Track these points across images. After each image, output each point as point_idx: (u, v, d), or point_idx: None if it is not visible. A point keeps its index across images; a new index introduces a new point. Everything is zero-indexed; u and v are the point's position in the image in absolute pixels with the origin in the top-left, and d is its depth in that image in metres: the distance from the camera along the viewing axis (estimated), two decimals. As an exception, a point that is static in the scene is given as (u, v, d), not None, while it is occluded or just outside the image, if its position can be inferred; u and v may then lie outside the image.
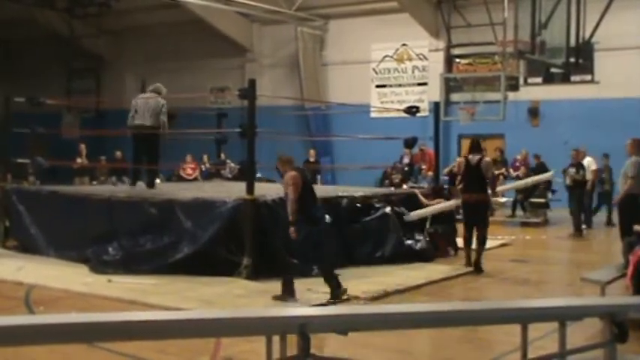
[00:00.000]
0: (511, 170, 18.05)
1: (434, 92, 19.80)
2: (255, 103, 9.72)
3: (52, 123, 19.06)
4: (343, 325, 4.28)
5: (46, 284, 8.89)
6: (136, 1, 23.81)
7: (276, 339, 4.04)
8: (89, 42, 26.85)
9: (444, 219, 11.85)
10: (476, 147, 10.68)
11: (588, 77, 19.57)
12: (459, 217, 11.79)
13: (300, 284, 8.11)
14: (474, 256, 10.35)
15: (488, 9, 18.47)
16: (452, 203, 11.79)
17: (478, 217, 10.49)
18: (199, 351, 6.01)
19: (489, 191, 10.77)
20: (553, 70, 17.48)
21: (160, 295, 8.26)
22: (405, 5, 21.00)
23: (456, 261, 11.04)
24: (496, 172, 13.61)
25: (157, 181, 12.79)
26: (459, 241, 11.48)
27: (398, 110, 15.97)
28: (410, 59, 22.35)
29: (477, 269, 10.24)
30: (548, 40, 12.14)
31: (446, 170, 15.03)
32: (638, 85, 18.56)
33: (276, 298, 7.96)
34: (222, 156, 18.95)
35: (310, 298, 8.00)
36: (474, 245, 10.46)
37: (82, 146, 19.51)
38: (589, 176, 15.42)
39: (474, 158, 10.49)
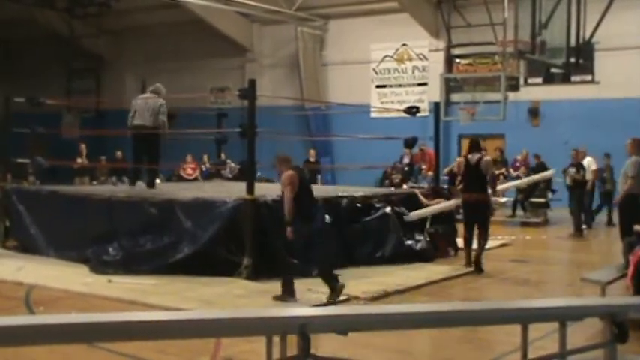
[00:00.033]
0: (511, 170, 18.05)
1: (434, 92, 19.80)
2: (255, 103, 9.72)
3: (52, 123, 19.06)
4: (343, 325, 4.28)
5: (46, 284, 8.89)
6: (136, 1, 23.81)
7: (276, 339, 4.04)
8: (89, 42, 26.86)
9: (444, 219, 11.85)
10: (475, 147, 10.68)
11: (588, 77, 19.57)
12: (459, 217, 11.80)
13: (300, 284, 8.10)
14: (474, 255, 10.35)
15: (488, 9, 18.47)
16: (452, 203, 11.79)
17: (479, 216, 10.50)
18: (199, 351, 6.01)
19: (490, 191, 10.77)
20: (553, 70, 17.47)
21: (159, 295, 8.26)
22: (405, 5, 21.01)
23: (456, 261, 11.04)
24: (496, 172, 13.60)
25: (157, 181, 12.79)
26: (459, 242, 11.49)
27: (398, 110, 15.97)
28: (410, 59, 22.36)
29: (477, 268, 10.24)
30: (549, 40, 12.12)
31: (446, 170, 15.03)
32: (638, 85, 18.57)
33: (276, 298, 7.96)
34: (223, 156, 18.96)
35: (310, 298, 8.00)
36: (474, 245, 10.46)
37: (83, 146, 19.51)
38: (589, 176, 15.43)
39: (474, 158, 10.49)
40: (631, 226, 8.76)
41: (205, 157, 19.85)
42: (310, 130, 22.19)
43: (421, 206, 11.67)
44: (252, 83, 9.86)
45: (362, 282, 9.01)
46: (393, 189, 15.22)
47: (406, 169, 17.91)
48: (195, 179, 19.02)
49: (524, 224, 17.08)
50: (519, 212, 17.68)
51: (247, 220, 9.22)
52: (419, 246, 11.02)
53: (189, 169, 19.44)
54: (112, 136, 19.76)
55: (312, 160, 20.04)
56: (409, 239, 11.02)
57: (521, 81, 19.93)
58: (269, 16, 22.66)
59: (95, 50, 27.25)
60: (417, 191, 12.57)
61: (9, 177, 13.54)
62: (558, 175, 15.68)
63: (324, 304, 7.58)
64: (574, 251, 13.74)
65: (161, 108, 11.14)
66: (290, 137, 18.82)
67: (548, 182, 16.84)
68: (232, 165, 17.91)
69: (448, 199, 12.15)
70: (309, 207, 8.11)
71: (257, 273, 9.02)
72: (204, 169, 19.67)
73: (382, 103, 22.16)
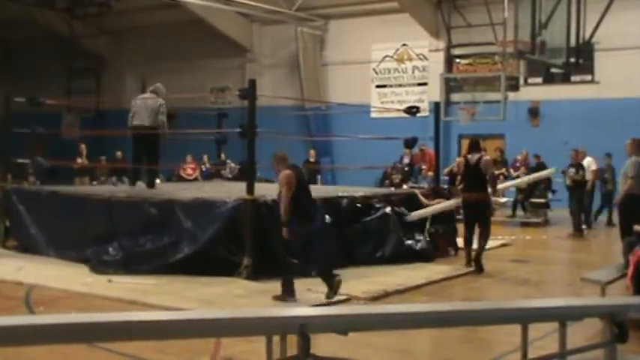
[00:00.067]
0: (511, 170, 18.06)
1: (434, 92, 19.80)
2: (255, 103, 9.71)
3: (52, 123, 19.07)
4: (343, 325, 4.28)
5: (46, 284, 8.89)
6: (136, 1, 23.82)
7: (276, 339, 4.04)
8: (89, 42, 26.87)
9: (444, 219, 11.84)
10: (475, 146, 10.69)
11: (588, 77, 19.58)
12: (459, 217, 11.80)
13: (300, 284, 8.10)
14: (474, 254, 10.35)
15: (488, 9, 18.47)
16: (452, 203, 11.78)
17: (479, 215, 10.50)
18: (199, 351, 6.01)
19: (490, 190, 10.77)
20: (553, 70, 17.47)
21: (159, 295, 8.25)
22: (405, 5, 21.01)
23: (456, 261, 11.03)
24: (496, 172, 13.61)
25: (157, 181, 12.79)
26: (459, 241, 11.49)
27: (398, 110, 15.97)
28: (410, 59, 22.36)
29: (478, 267, 10.24)
30: (549, 40, 12.12)
31: (446, 170, 15.03)
32: (638, 85, 18.57)
33: (276, 298, 7.95)
34: (223, 156, 18.97)
35: (310, 298, 7.99)
36: (474, 245, 10.46)
37: (83, 146, 19.51)
38: (589, 176, 15.43)
39: (473, 157, 10.50)
40: (631, 226, 8.75)
41: (205, 157, 19.85)
42: (310, 130, 22.20)
43: (421, 206, 11.67)
44: (253, 83, 9.86)
45: (362, 282, 9.01)
46: (393, 189, 15.22)
47: (406, 169, 17.92)
48: (195, 179, 19.02)
49: (525, 224, 17.09)
50: (519, 212, 17.68)
51: (247, 220, 9.22)
52: (419, 246, 11.02)
53: (189, 169, 19.45)
54: (112, 136, 19.76)
55: (312, 160, 20.05)
56: (409, 239, 11.02)
57: (521, 81, 19.94)
58: (269, 16, 22.67)
59: (95, 50, 27.25)
60: (417, 191, 12.56)
61: (9, 177, 13.54)
62: (558, 175, 15.66)
63: (325, 304, 7.58)
64: (574, 251, 13.74)
65: (160, 108, 11.15)
66: (290, 137, 18.82)
67: (548, 182, 16.84)
68: (232, 165, 17.92)
69: (448, 199, 12.15)
70: (307, 206, 8.10)
71: (257, 273, 9.01)
72: (204, 169, 19.68)
73: (382, 103, 22.17)
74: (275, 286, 8.12)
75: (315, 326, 4.10)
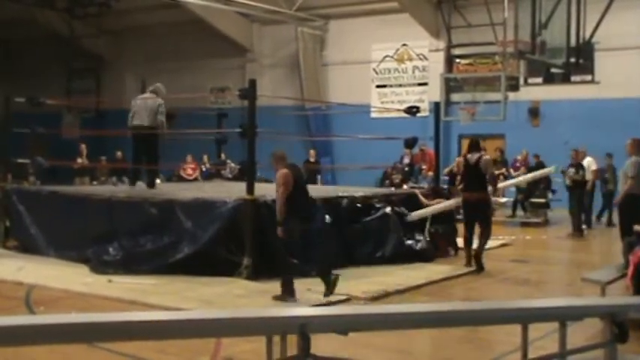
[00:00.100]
0: (511, 170, 18.05)
1: (434, 92, 19.81)
2: (255, 103, 9.71)
3: (52, 123, 19.06)
4: (343, 325, 4.27)
5: (46, 284, 8.89)
6: (136, 1, 23.82)
7: (276, 339, 4.04)
8: (89, 42, 26.87)
9: (444, 219, 11.84)
10: (475, 146, 10.69)
11: (588, 77, 19.57)
12: (459, 217, 11.80)
13: (300, 284, 8.10)
14: (474, 252, 10.35)
15: (488, 9, 18.48)
16: (452, 203, 11.78)
17: (479, 215, 10.50)
18: (199, 351, 6.00)
19: (490, 189, 10.77)
20: (553, 70, 17.46)
21: (160, 295, 8.25)
22: (405, 5, 21.01)
23: (456, 261, 11.03)
24: (496, 172, 13.60)
25: (157, 181, 12.79)
26: (459, 241, 11.48)
27: (398, 110, 15.97)
28: (410, 59, 22.36)
29: (478, 265, 10.25)
30: (549, 40, 12.12)
31: (446, 170, 15.02)
32: (638, 85, 18.57)
33: (276, 298, 7.95)
34: (223, 156, 18.98)
35: (310, 298, 7.99)
36: (474, 245, 10.46)
37: (83, 146, 19.51)
38: (589, 176, 15.42)
39: (473, 157, 10.50)
40: (631, 226, 8.76)
41: (205, 157, 19.86)
42: (310, 130, 22.20)
43: (421, 206, 11.67)
44: (253, 83, 9.86)
45: (362, 282, 9.01)
46: (393, 189, 15.22)
47: (406, 169, 17.92)
48: (196, 179, 19.02)
49: (525, 224, 17.09)
50: (519, 212, 17.69)
51: (247, 220, 9.22)
52: (419, 246, 11.01)
53: (189, 169, 19.45)
54: (112, 136, 19.76)
55: (312, 160, 20.05)
56: (409, 239, 11.02)
57: (522, 81, 19.93)
58: (269, 16, 22.67)
59: (95, 50, 27.25)
60: (417, 191, 12.57)
61: (9, 177, 13.54)
62: (558, 175, 15.65)
63: (325, 304, 7.57)
64: (574, 251, 13.74)
65: (159, 108, 11.16)
66: (290, 137, 18.82)
67: (548, 182, 16.84)
68: (232, 165, 17.92)
69: (448, 199, 12.15)
70: (304, 206, 8.09)
71: (257, 273, 9.01)
72: (204, 169, 19.68)
73: (382, 103, 22.16)
74: (275, 286, 8.12)
75: (315, 326, 4.10)
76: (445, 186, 13.99)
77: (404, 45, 22.33)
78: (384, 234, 10.69)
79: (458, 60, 21.59)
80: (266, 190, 9.82)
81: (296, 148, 17.96)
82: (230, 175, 18.02)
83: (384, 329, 5.17)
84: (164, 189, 12.22)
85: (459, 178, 11.26)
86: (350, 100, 18.73)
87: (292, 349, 4.02)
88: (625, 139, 11.17)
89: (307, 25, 23.03)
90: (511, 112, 18.09)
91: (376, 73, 22.83)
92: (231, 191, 10.57)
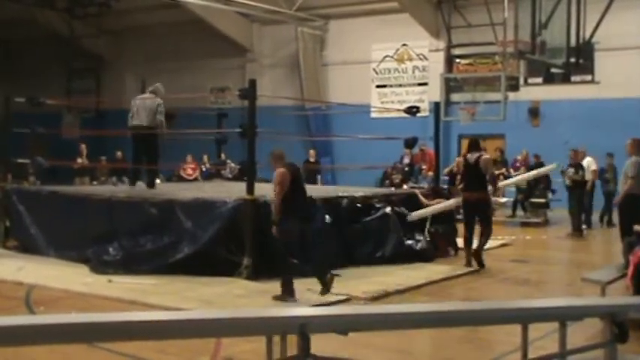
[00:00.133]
0: (511, 170, 18.05)
1: (434, 92, 19.81)
2: (255, 103, 9.71)
3: (52, 123, 19.05)
4: (343, 325, 4.27)
5: (46, 284, 8.88)
6: (136, 1, 23.82)
7: (276, 339, 4.04)
8: (89, 42, 26.87)
9: (444, 219, 11.85)
10: (475, 146, 10.69)
11: (588, 77, 19.57)
12: (459, 217, 11.79)
13: (300, 284, 8.10)
14: (474, 250, 10.35)
15: (488, 9, 18.48)
16: (452, 203, 11.78)
17: (480, 214, 10.51)
18: (199, 351, 6.00)
19: (490, 189, 10.77)
20: (553, 70, 17.46)
21: (160, 295, 8.25)
22: (405, 5, 21.01)
23: (456, 261, 11.03)
24: (497, 172, 13.60)
25: (157, 181, 12.79)
26: (459, 241, 11.49)
27: (398, 110, 15.97)
28: (410, 59, 22.36)
29: (478, 262, 10.24)
30: (549, 40, 12.12)
31: (446, 170, 15.03)
32: (638, 85, 18.57)
33: (276, 298, 7.95)
34: (223, 156, 18.97)
35: (310, 298, 7.99)
36: (474, 245, 10.46)
37: (83, 146, 19.51)
38: (589, 176, 15.42)
39: (473, 157, 10.50)
40: (631, 226, 8.76)
41: (205, 157, 19.86)
42: (310, 130, 22.20)
43: (421, 206, 11.67)
44: (253, 83, 9.86)
45: (362, 282, 9.01)
46: (393, 189, 15.23)
47: (406, 169, 17.92)
48: (196, 179, 19.03)
49: (525, 224, 17.09)
50: (519, 212, 17.69)
51: (247, 220, 9.22)
52: (419, 246, 11.01)
53: (189, 169, 19.45)
54: (112, 136, 19.77)
55: (312, 160, 20.03)
56: (409, 239, 11.02)
57: (522, 81, 19.93)
58: (269, 16, 22.67)
59: (95, 50, 27.25)
60: (417, 191, 12.57)
61: (9, 177, 13.54)
62: (557, 175, 15.65)
63: (325, 304, 7.57)
64: (574, 251, 13.73)
65: (158, 108, 11.16)
66: (290, 137, 18.81)
67: (547, 182, 16.84)
68: (232, 165, 17.91)
69: (448, 199, 12.15)
70: (302, 205, 8.08)
71: (257, 273, 9.01)
72: (204, 169, 19.68)
73: (382, 103, 22.16)
74: (275, 286, 8.12)
75: (315, 326, 4.10)
76: (445, 186, 13.99)
77: (404, 45, 22.34)
78: (384, 234, 10.69)
79: (458, 60, 21.59)
80: (266, 190, 9.81)
81: (296, 148, 17.96)
82: (230, 175, 18.02)
83: (384, 329, 5.17)
84: (164, 189, 12.22)
85: (458, 178, 11.27)
86: (350, 100, 18.73)
87: (292, 349, 4.02)
88: (625, 139, 11.18)
89: (307, 25, 23.03)
90: (511, 112, 18.10)
91: (376, 73, 22.83)
92: (231, 191, 10.57)
